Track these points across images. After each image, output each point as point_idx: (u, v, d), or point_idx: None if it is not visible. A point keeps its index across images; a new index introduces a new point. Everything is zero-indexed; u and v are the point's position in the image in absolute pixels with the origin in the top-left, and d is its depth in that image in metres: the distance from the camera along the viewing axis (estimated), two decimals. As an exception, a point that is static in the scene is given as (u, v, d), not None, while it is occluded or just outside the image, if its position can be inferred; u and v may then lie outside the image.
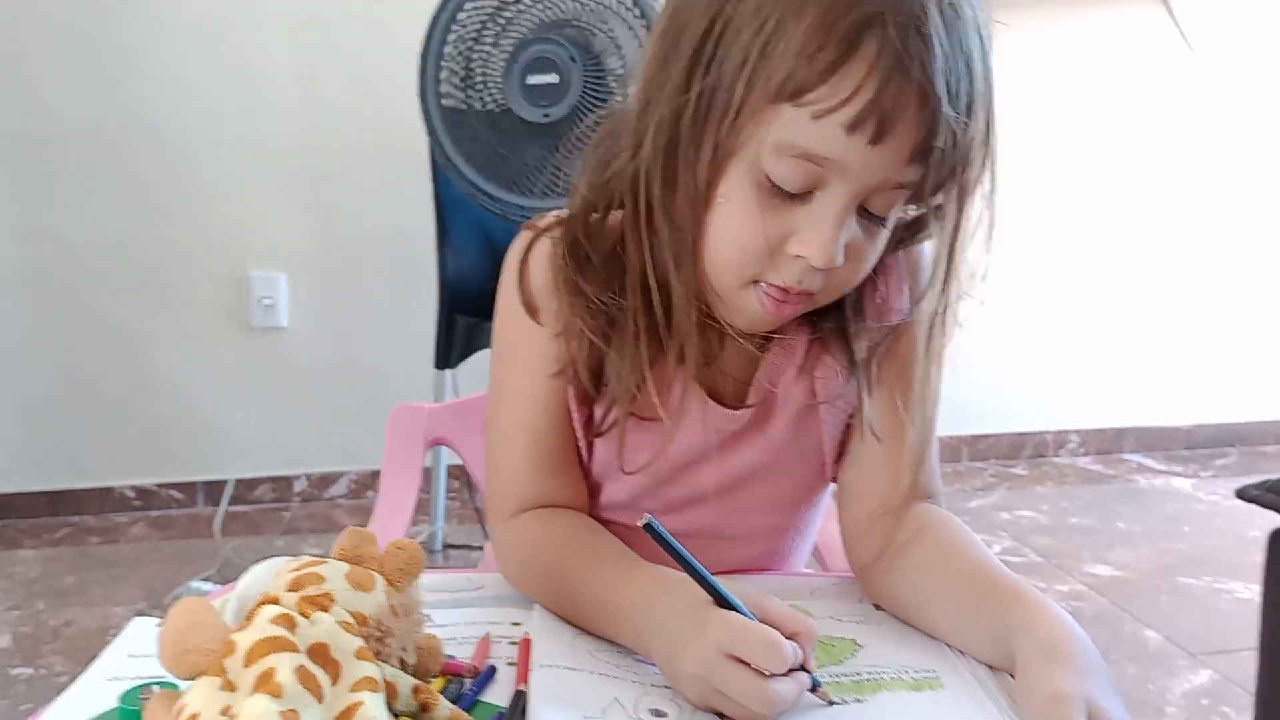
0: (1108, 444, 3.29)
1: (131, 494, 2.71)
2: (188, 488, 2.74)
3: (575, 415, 0.78)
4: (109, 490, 2.70)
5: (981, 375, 3.00)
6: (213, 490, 2.73)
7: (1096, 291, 3.19)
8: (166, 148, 2.59)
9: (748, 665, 0.58)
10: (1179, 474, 3.12)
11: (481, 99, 1.79)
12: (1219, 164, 3.18)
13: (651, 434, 0.76)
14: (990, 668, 0.66)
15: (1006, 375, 3.13)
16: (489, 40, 1.77)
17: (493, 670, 0.65)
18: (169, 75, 2.56)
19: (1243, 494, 1.33)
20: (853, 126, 0.61)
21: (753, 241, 0.66)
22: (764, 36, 0.61)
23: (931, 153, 0.62)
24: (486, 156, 1.79)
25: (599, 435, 0.78)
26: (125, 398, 2.67)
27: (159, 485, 2.73)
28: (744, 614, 0.61)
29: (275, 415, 2.75)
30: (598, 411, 0.78)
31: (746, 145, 0.64)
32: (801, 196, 0.65)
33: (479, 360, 2.33)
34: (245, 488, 2.76)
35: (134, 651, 0.68)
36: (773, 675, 0.58)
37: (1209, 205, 3.20)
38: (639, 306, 0.72)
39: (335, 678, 0.52)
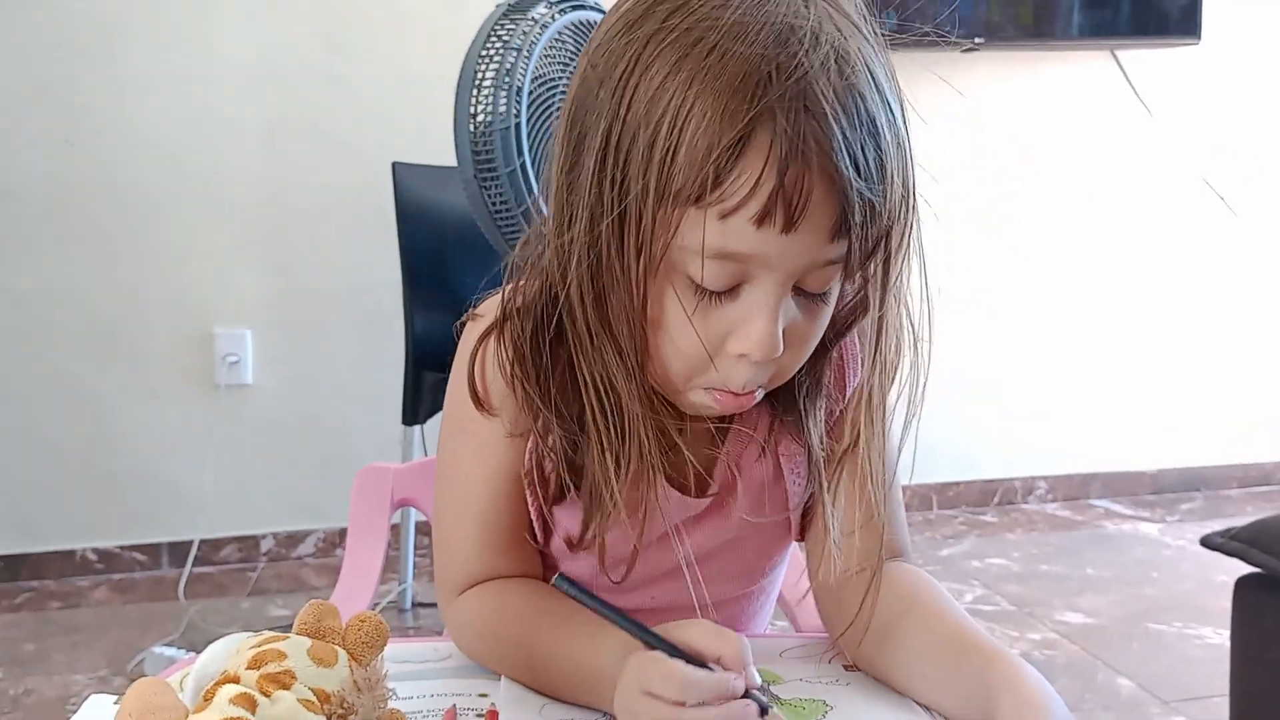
0: (1075, 489, 3.31)
1: (93, 556, 2.66)
2: (151, 549, 2.69)
3: (531, 508, 0.76)
4: (70, 553, 2.65)
5: (950, 423, 3.02)
6: (177, 551, 2.69)
7: (1061, 339, 3.23)
8: (127, 203, 2.57)
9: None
10: (1146, 519, 3.14)
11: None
12: (1180, 212, 3.24)
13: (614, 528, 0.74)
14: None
15: (974, 422, 3.15)
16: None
17: (459, 743, 0.64)
18: (129, 130, 2.55)
19: (1207, 542, 1.35)
20: (760, 220, 0.59)
21: (692, 347, 0.64)
22: (658, 142, 0.60)
23: (850, 229, 0.61)
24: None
25: (577, 550, 0.75)
26: (86, 458, 2.63)
27: (121, 547, 2.68)
28: (666, 649, 0.62)
29: (241, 474, 2.71)
30: (564, 515, 0.76)
31: (666, 254, 0.62)
32: (731, 293, 0.63)
33: (447, 416, 2.31)
34: (210, 548, 2.71)
35: (91, 731, 0.67)
36: (699, 704, 0.59)
37: (1171, 253, 3.25)
38: (599, 420, 0.69)
39: (297, 758, 0.51)
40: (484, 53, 1.71)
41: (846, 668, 0.76)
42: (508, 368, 0.72)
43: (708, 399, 0.68)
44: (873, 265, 0.64)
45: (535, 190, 1.73)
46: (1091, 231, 3.20)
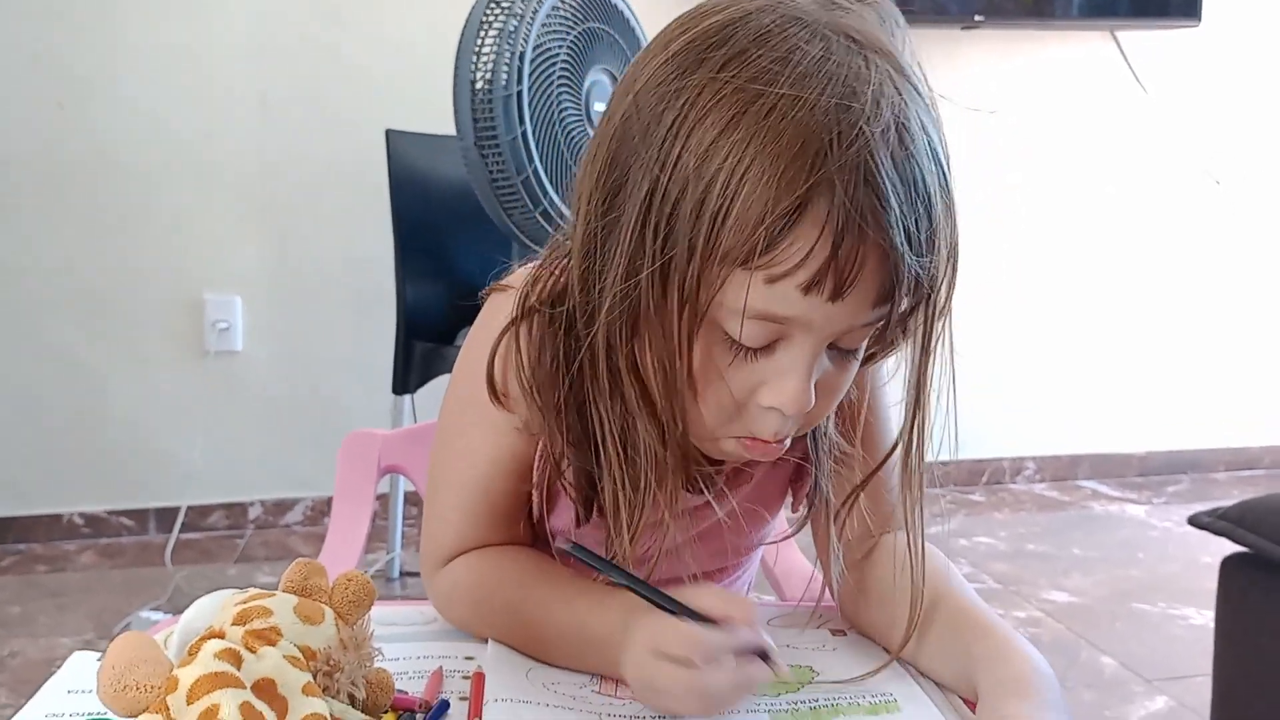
0: (1063, 470, 3.33)
1: (81, 521, 2.66)
2: (139, 515, 2.69)
3: (536, 498, 0.75)
4: (57, 517, 2.64)
5: (939, 403, 3.02)
6: (164, 517, 2.68)
7: (1051, 322, 3.23)
8: (119, 170, 2.55)
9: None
10: (1132, 500, 3.16)
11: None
12: (1172, 198, 3.24)
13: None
14: (944, 691, 0.68)
15: (964, 403, 3.14)
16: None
17: (445, 705, 0.64)
18: (124, 100, 2.53)
19: (1195, 521, 1.35)
20: (809, 287, 0.58)
21: (721, 398, 0.63)
22: (709, 200, 0.58)
23: (894, 298, 0.60)
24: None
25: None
26: (75, 423, 2.62)
27: (109, 512, 2.67)
28: (685, 614, 0.63)
29: (230, 441, 2.71)
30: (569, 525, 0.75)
31: (705, 308, 0.61)
32: (766, 349, 0.62)
33: (437, 386, 2.31)
34: (198, 515, 2.71)
35: (73, 687, 0.67)
36: (706, 665, 0.60)
37: (1163, 238, 3.26)
38: (615, 466, 0.68)
39: (282, 714, 0.50)
40: (485, 18, 1.70)
41: (834, 632, 0.77)
42: (527, 388, 0.69)
43: (738, 447, 0.67)
44: (912, 325, 0.64)
45: (535, 160, 1.72)
46: (1084, 214, 3.20)
